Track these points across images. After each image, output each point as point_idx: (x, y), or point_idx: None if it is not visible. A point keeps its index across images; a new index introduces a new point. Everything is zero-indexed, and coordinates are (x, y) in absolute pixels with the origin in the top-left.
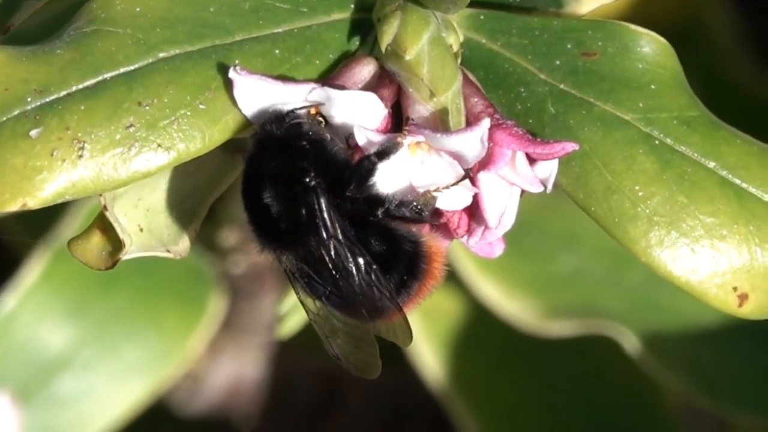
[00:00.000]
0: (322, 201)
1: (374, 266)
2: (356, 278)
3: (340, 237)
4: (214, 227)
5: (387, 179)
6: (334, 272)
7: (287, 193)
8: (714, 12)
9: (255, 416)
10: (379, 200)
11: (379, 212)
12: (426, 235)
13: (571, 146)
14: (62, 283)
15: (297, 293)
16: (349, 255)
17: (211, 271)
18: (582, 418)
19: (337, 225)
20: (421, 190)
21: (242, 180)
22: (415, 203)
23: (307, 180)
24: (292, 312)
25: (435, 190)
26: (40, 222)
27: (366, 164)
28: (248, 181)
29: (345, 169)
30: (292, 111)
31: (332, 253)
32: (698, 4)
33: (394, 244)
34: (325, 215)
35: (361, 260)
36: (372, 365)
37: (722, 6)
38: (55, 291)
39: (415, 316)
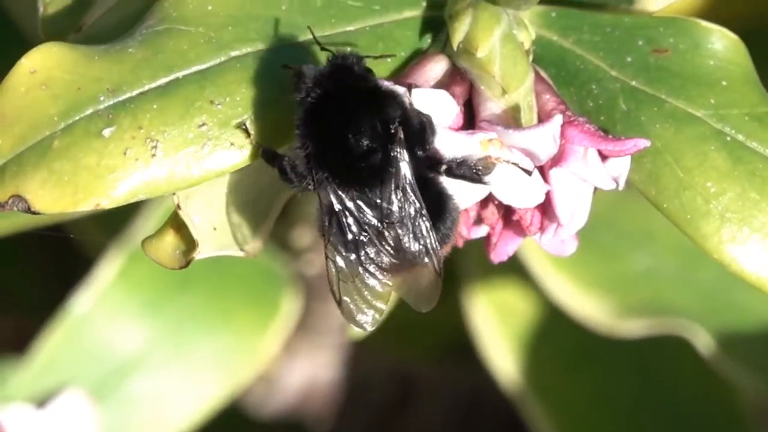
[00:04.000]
0: (405, 153)
1: (427, 219)
2: (410, 226)
3: (408, 186)
4: (288, 227)
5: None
6: (393, 215)
7: (370, 134)
8: None
9: (329, 418)
10: (440, 159)
11: (442, 168)
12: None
13: (642, 143)
14: (136, 283)
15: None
16: (410, 203)
17: (285, 271)
18: (655, 419)
19: (408, 175)
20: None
21: (312, 104)
22: (475, 166)
23: (393, 130)
24: None
25: (496, 159)
26: (115, 221)
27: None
28: (323, 108)
29: (423, 130)
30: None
31: (395, 197)
32: None
33: (443, 207)
34: (402, 166)
35: (418, 209)
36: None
37: None
38: (130, 291)
39: (489, 315)
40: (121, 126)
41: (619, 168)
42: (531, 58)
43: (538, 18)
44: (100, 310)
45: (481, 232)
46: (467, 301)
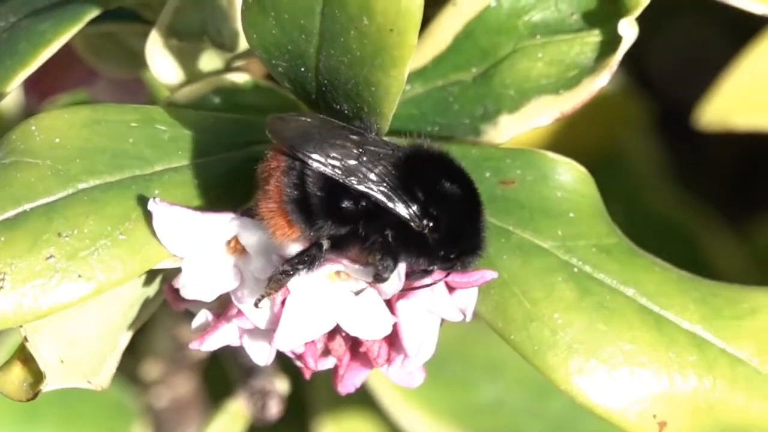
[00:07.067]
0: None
1: None
2: None
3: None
4: (136, 360)
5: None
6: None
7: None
8: (635, 142)
9: None
10: None
11: None
12: None
13: (490, 274)
14: None
15: None
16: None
17: (134, 403)
18: None
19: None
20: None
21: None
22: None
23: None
24: None
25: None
26: None
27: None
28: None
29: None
30: None
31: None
32: (620, 135)
33: None
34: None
35: None
36: None
37: (643, 137)
38: None
39: None
40: None
41: (467, 299)
42: None
43: None
44: None
45: (328, 363)
46: None
